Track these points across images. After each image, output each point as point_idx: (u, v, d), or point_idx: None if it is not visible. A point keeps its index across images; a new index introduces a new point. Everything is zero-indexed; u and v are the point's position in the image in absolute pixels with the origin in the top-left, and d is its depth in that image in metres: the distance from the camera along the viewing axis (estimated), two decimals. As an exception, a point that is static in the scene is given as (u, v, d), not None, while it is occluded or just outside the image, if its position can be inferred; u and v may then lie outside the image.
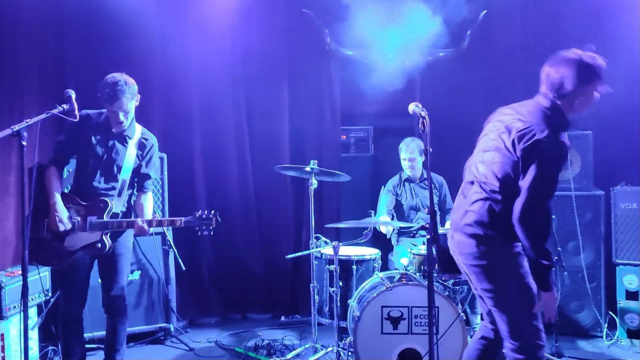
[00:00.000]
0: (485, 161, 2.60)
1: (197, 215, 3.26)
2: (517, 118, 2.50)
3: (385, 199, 4.63)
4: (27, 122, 2.57)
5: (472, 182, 2.64)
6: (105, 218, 3.21)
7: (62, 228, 3.16)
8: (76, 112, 2.85)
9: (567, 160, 2.52)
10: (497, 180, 2.51)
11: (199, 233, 3.26)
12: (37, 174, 2.99)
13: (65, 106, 2.80)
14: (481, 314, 2.84)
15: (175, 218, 3.31)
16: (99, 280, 3.44)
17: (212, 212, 3.27)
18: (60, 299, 3.33)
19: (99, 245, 3.20)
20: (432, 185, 4.58)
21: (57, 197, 3.17)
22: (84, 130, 3.23)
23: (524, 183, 2.40)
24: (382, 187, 4.74)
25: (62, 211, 3.17)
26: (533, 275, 2.45)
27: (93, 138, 3.25)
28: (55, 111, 2.76)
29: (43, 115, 2.68)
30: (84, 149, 3.26)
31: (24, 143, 2.53)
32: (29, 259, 3.07)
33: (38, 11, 4.34)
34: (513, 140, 2.46)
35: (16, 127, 2.50)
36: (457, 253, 2.65)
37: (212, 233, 3.27)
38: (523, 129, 2.44)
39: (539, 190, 2.38)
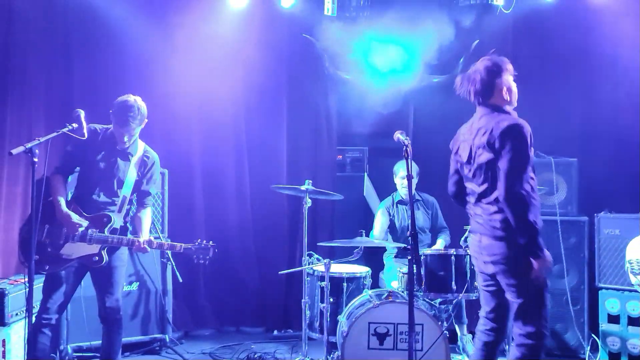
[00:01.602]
0: None
1: (197, 244, 3.43)
2: None
3: (381, 220, 4.72)
4: (38, 140, 2.74)
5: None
6: (106, 233, 3.32)
7: (81, 228, 3.23)
8: (84, 130, 3.01)
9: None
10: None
11: (195, 261, 3.43)
12: (44, 184, 3.08)
13: (74, 125, 2.96)
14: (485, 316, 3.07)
15: (175, 243, 3.46)
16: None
17: (211, 243, 3.45)
18: (40, 304, 3.34)
19: (96, 258, 3.29)
20: (423, 205, 4.77)
21: (64, 204, 3.26)
22: (90, 144, 3.32)
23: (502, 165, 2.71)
24: (377, 208, 4.84)
25: (72, 214, 3.25)
26: (525, 248, 2.69)
27: (98, 153, 3.36)
28: (64, 130, 2.92)
29: (53, 134, 2.85)
30: (87, 162, 3.36)
31: (36, 160, 2.68)
32: (21, 261, 3.21)
33: (47, 31, 4.55)
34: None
35: (29, 145, 2.66)
36: (485, 254, 2.87)
37: (207, 263, 3.43)
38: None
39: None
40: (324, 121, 5.36)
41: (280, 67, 5.23)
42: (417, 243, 2.43)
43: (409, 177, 2.51)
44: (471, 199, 2.96)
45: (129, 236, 3.42)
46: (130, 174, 3.42)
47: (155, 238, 3.56)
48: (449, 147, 3.14)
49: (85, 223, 3.27)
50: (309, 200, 4.05)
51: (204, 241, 3.44)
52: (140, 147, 3.50)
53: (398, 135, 2.60)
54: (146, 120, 3.42)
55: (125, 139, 3.34)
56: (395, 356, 3.51)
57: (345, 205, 5.05)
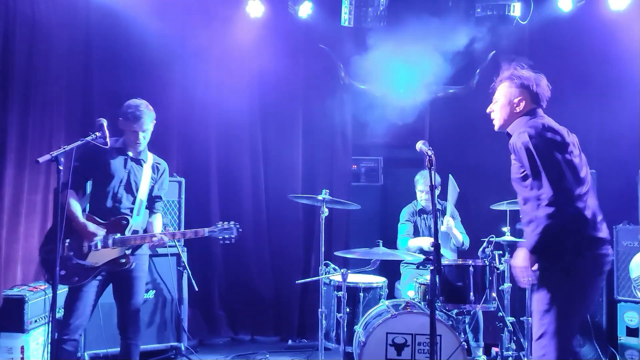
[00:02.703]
0: None
1: (219, 226, 3.54)
2: None
3: (404, 228, 4.71)
4: (64, 149, 2.77)
5: None
6: (127, 234, 3.36)
7: (98, 237, 3.27)
8: (107, 139, 3.05)
9: None
10: None
11: (222, 242, 3.54)
12: (55, 197, 3.10)
13: (98, 134, 3.00)
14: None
15: (198, 229, 3.54)
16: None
17: (233, 222, 3.56)
18: (63, 321, 3.32)
19: (123, 260, 3.33)
20: (442, 214, 4.74)
21: (80, 215, 3.28)
22: (101, 155, 3.34)
23: None
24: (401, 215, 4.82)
25: (89, 224, 3.28)
26: None
27: (112, 162, 3.39)
28: (88, 138, 2.95)
29: (78, 142, 2.88)
30: (103, 174, 3.38)
31: (61, 168, 2.71)
32: (46, 277, 3.23)
33: (68, 41, 4.60)
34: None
35: (55, 153, 2.69)
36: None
37: (233, 241, 3.54)
38: None
39: None
40: (339, 131, 5.39)
41: (296, 76, 5.27)
42: (440, 253, 2.42)
43: (432, 188, 2.51)
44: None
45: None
46: (145, 179, 3.48)
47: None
48: (563, 141, 2.68)
49: (102, 232, 3.30)
50: (326, 210, 4.06)
51: (226, 222, 3.55)
52: (150, 156, 3.58)
53: (420, 146, 2.60)
54: (154, 121, 3.46)
55: (141, 137, 3.38)
56: (413, 367, 3.50)
57: (360, 215, 5.06)
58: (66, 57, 4.59)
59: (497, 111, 2.91)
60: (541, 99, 2.84)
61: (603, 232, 2.68)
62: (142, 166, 3.48)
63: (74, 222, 3.28)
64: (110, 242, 3.32)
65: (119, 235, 3.34)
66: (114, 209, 3.40)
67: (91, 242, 3.28)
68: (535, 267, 2.62)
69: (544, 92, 2.84)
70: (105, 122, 3.10)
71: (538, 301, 2.60)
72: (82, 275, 3.29)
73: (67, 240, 3.27)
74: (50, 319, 2.83)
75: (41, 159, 2.65)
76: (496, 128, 2.96)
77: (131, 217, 3.41)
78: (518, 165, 2.69)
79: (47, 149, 2.74)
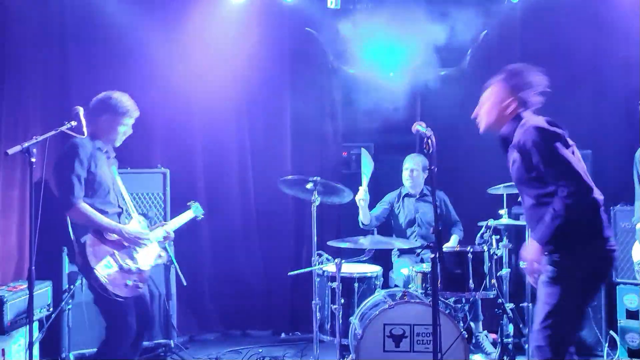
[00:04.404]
0: None
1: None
2: None
3: (377, 209, 4.66)
4: (36, 139, 2.60)
5: None
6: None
7: (146, 240, 3.24)
8: (84, 128, 2.88)
9: None
10: None
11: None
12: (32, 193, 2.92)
13: (73, 123, 2.82)
14: None
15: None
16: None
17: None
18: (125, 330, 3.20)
19: (162, 254, 3.39)
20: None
21: (118, 224, 3.16)
22: (94, 158, 3.12)
23: None
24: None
25: (134, 229, 3.22)
26: None
27: (104, 164, 3.20)
28: (63, 128, 2.78)
29: (52, 132, 2.71)
30: (101, 176, 3.16)
31: (34, 160, 2.54)
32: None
33: (42, 30, 4.41)
34: None
35: (26, 144, 2.53)
36: None
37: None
38: None
39: None
40: (328, 117, 5.24)
41: (283, 61, 5.11)
42: (441, 240, 2.30)
43: (432, 171, 2.38)
44: None
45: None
46: (116, 174, 3.34)
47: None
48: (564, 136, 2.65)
49: (147, 234, 3.26)
50: (318, 198, 3.92)
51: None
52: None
53: (417, 127, 2.46)
54: None
55: (128, 132, 3.26)
56: (412, 358, 3.38)
57: (351, 203, 4.91)
58: (40, 46, 4.38)
59: (483, 113, 2.73)
60: (530, 103, 2.68)
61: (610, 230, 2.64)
62: (112, 161, 3.32)
63: (120, 232, 3.13)
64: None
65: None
66: (118, 210, 3.26)
67: (141, 242, 3.22)
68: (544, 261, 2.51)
69: (533, 99, 2.68)
70: (81, 111, 2.94)
71: (549, 295, 2.48)
72: (143, 279, 3.26)
73: (115, 253, 3.11)
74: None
75: (10, 151, 2.48)
76: (482, 130, 2.79)
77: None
78: (525, 165, 2.54)
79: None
